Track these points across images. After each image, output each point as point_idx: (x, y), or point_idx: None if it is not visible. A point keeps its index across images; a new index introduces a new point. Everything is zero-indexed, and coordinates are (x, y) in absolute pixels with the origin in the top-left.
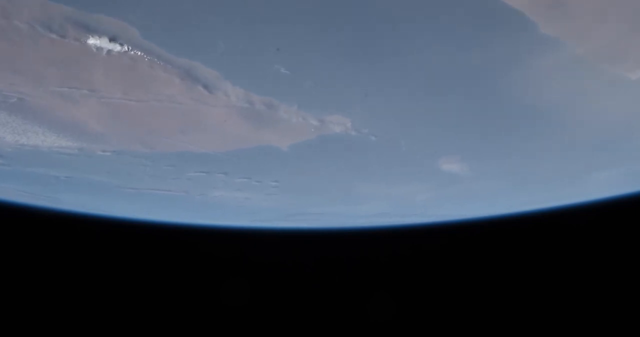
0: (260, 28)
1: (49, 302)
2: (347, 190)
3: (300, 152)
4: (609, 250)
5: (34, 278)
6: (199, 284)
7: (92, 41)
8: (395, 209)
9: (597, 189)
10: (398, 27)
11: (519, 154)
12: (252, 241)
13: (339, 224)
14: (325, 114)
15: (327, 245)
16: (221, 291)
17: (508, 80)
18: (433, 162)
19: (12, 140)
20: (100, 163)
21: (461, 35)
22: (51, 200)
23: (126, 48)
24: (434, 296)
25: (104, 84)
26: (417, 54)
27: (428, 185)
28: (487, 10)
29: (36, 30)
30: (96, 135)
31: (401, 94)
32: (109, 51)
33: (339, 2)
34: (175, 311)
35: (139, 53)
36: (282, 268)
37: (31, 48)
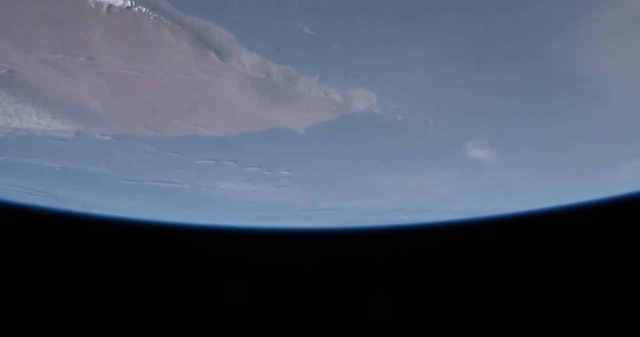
0: None
1: (48, 303)
2: (363, 181)
3: (317, 135)
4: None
5: (34, 279)
6: (199, 285)
7: None
8: (410, 203)
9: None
10: None
11: (551, 139)
12: (252, 241)
13: (348, 222)
14: (348, 88)
15: (327, 245)
16: (221, 291)
17: (553, 46)
18: (460, 147)
19: (3, 123)
20: (99, 150)
21: None
22: (47, 197)
23: (129, 3)
24: (434, 296)
25: (103, 49)
26: (458, 13)
27: (450, 175)
28: None
29: None
30: (94, 115)
31: (434, 65)
32: (110, 7)
33: None
34: (175, 311)
35: (144, 9)
36: (282, 268)
37: (20, 4)
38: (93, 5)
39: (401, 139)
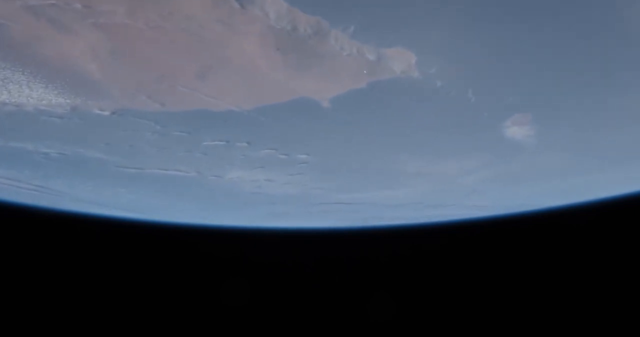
0: None
1: (48, 304)
2: (386, 167)
3: (343, 109)
4: None
5: (34, 279)
6: (199, 285)
7: None
8: (432, 195)
9: None
10: None
11: (602, 117)
12: (252, 241)
13: (362, 218)
14: (385, 45)
15: (327, 245)
16: (221, 291)
17: (619, 7)
18: (498, 124)
19: None
20: (98, 129)
21: None
22: (43, 191)
23: None
24: (434, 296)
25: None
26: None
27: (481, 160)
28: None
29: None
30: (93, 84)
31: (482, 24)
32: None
33: None
34: (175, 311)
35: None
36: (282, 268)
37: None
38: None
39: (435, 112)
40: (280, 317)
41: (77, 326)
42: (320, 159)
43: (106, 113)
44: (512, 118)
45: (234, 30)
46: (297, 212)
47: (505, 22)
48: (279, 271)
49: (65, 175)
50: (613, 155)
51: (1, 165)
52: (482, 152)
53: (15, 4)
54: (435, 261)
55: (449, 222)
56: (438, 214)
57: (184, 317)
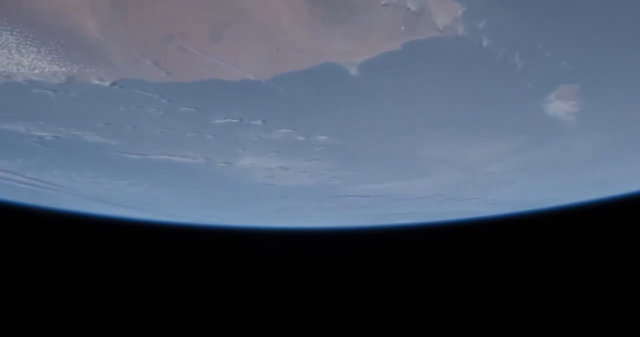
0: None
1: (48, 304)
2: (411, 152)
3: (372, 78)
4: None
5: (33, 279)
6: (199, 285)
7: None
8: (454, 186)
9: None
10: None
11: None
12: (252, 241)
13: (376, 215)
14: None
15: (327, 245)
16: (221, 291)
17: None
18: (541, 97)
19: None
20: (97, 106)
21: None
22: (37, 185)
23: None
24: (434, 296)
25: None
26: None
27: (514, 143)
28: None
29: None
30: (91, 46)
31: None
32: None
33: None
34: (175, 312)
35: None
36: (282, 268)
37: None
38: None
39: (475, 80)
40: (280, 317)
41: (78, 327)
42: (340, 142)
43: (106, 84)
44: (557, 90)
45: None
46: (308, 207)
47: None
48: (280, 272)
49: (61, 164)
50: None
51: None
52: (516, 134)
53: None
54: (442, 263)
55: (460, 222)
56: (454, 211)
57: (184, 318)
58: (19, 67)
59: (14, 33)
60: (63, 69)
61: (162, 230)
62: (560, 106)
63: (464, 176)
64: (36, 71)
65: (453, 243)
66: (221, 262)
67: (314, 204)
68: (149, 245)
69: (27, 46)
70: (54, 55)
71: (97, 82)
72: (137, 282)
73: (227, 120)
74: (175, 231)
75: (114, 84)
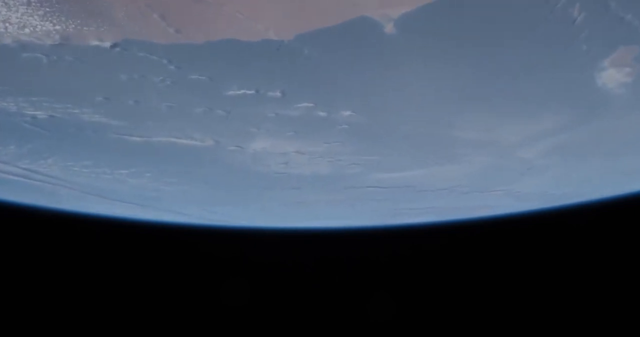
0: None
1: (48, 305)
2: (442, 132)
3: (409, 38)
4: None
5: (33, 280)
6: (199, 285)
7: None
8: (481, 175)
9: None
10: None
11: None
12: (252, 241)
13: (394, 210)
14: None
15: (327, 245)
16: (221, 291)
17: None
18: (593, 63)
19: None
20: (95, 75)
21: None
22: (31, 177)
23: None
24: (434, 296)
25: None
26: None
27: (555, 121)
28: None
29: None
30: None
31: None
32: None
33: None
34: (175, 312)
35: None
36: (282, 268)
37: None
38: None
39: (523, 42)
40: (280, 317)
41: (78, 327)
42: (366, 119)
43: (106, 45)
44: (614, 55)
45: None
46: (321, 200)
47: None
48: (279, 271)
49: (57, 150)
50: None
51: None
52: (558, 109)
53: None
54: (436, 261)
55: (476, 221)
56: (474, 206)
57: (185, 318)
58: (7, 25)
59: None
60: (57, 27)
61: (162, 230)
62: (613, 75)
63: (495, 161)
64: (26, 30)
65: (466, 245)
66: (221, 263)
67: (328, 197)
68: (149, 246)
69: None
70: (47, 9)
71: (96, 43)
72: (137, 283)
73: (242, 91)
74: (175, 231)
75: (115, 45)
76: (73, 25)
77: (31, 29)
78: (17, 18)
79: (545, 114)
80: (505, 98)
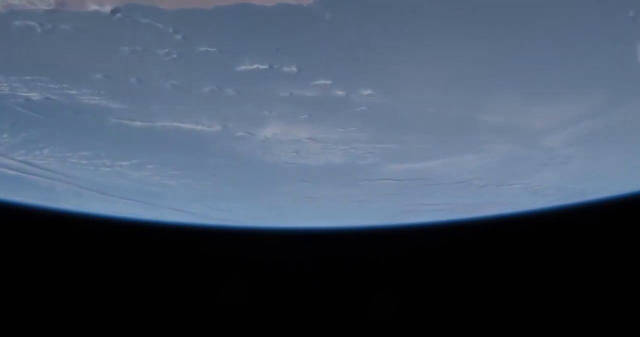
0: None
1: (47, 305)
2: (466, 115)
3: (443, 4)
4: None
5: (33, 280)
6: (199, 285)
7: None
8: (500, 166)
9: None
10: None
11: None
12: (253, 241)
13: (404, 206)
14: None
15: (327, 245)
16: (221, 291)
17: None
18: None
19: None
20: (94, 45)
21: None
22: (27, 171)
23: None
24: (434, 296)
25: None
26: None
27: (586, 104)
28: None
29: None
30: None
31: None
32: None
33: None
34: (175, 311)
35: None
36: (282, 268)
37: None
38: None
39: (562, 10)
40: (280, 317)
41: (78, 327)
42: (387, 99)
43: (106, 10)
44: None
45: None
46: (332, 196)
47: None
48: (279, 271)
49: (53, 139)
50: None
51: None
52: (592, 90)
53: None
54: (435, 260)
55: (488, 219)
56: (488, 202)
57: (184, 317)
58: None
59: None
60: None
61: (162, 230)
62: None
63: (517, 150)
64: None
65: (475, 246)
66: (221, 263)
67: (339, 192)
68: (149, 245)
69: None
70: None
71: (95, 7)
72: (137, 283)
73: (255, 66)
74: (175, 231)
75: (115, 10)
76: None
77: None
78: None
79: (578, 96)
80: (538, 76)
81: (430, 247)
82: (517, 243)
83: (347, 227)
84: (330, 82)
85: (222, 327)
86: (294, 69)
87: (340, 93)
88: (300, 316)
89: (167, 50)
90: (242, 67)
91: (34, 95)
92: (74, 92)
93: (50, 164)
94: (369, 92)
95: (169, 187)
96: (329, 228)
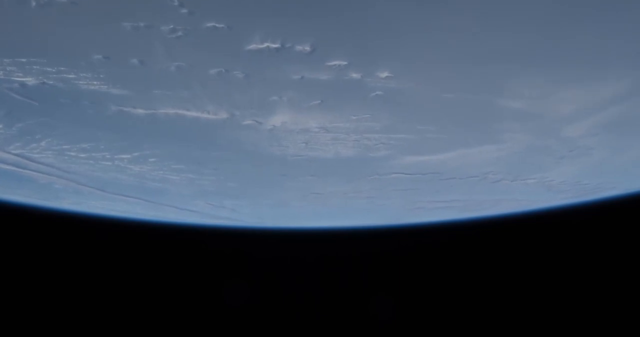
0: None
1: (48, 304)
2: (487, 100)
3: None
4: None
5: (33, 279)
6: (199, 285)
7: None
8: (515, 158)
9: None
10: None
11: None
12: (253, 241)
13: (412, 203)
14: None
15: (332, 246)
16: (221, 291)
17: None
18: None
19: None
20: (94, 21)
21: None
22: (25, 166)
23: None
24: (435, 296)
25: None
26: None
27: (615, 87)
28: None
29: None
30: None
31: None
32: None
33: None
34: (176, 311)
35: None
36: (283, 268)
37: None
38: None
39: None
40: (280, 317)
41: (79, 327)
42: (405, 83)
43: None
44: None
45: None
46: (341, 192)
47: None
48: (279, 271)
49: (51, 130)
50: None
51: None
52: (623, 73)
53: None
54: (436, 260)
55: (496, 218)
56: (500, 199)
57: (184, 317)
58: None
59: None
60: None
61: (163, 230)
62: None
63: (537, 141)
64: None
65: (483, 247)
66: (221, 263)
67: (348, 188)
68: (149, 245)
69: None
70: None
71: None
72: (138, 283)
73: (265, 45)
74: (175, 231)
75: None
76: None
77: None
78: None
79: (607, 79)
80: (567, 57)
81: (437, 248)
82: (527, 243)
83: (353, 227)
84: (345, 62)
85: (222, 327)
86: (308, 47)
87: (355, 76)
88: (300, 315)
89: (171, 26)
90: (252, 46)
91: (30, 80)
92: (72, 76)
93: (48, 158)
94: (386, 74)
95: (171, 182)
96: (334, 228)
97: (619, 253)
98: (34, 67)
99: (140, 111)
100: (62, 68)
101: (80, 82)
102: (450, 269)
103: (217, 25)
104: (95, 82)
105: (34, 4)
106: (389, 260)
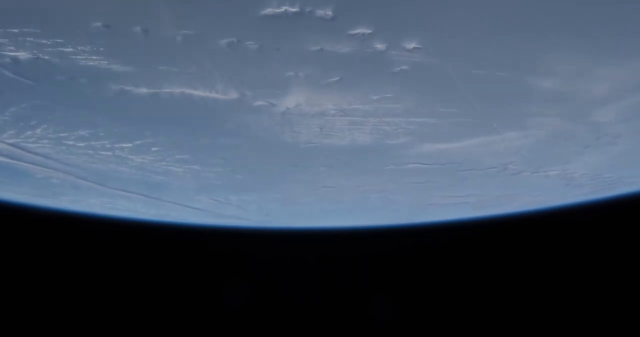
0: None
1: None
2: (518, 76)
3: None
4: None
5: (32, 281)
6: (199, 285)
7: None
8: (540, 146)
9: None
10: None
11: None
12: (254, 241)
13: (427, 197)
14: None
15: (328, 245)
16: (221, 291)
17: None
18: None
19: None
20: None
21: None
22: (19, 157)
23: None
24: (435, 296)
25: None
26: None
27: None
28: None
29: None
30: None
31: None
32: None
33: None
34: (176, 311)
35: None
36: (284, 268)
37: None
38: None
39: None
40: (280, 317)
41: (78, 327)
42: (433, 56)
43: None
44: None
45: None
46: (354, 185)
47: None
48: (279, 271)
49: (46, 114)
50: None
51: None
52: None
53: None
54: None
55: (509, 217)
56: (516, 194)
57: (184, 316)
58: None
59: None
60: None
61: (163, 230)
62: None
63: (563, 127)
64: None
65: (495, 247)
66: (221, 263)
67: (361, 180)
68: (149, 245)
69: None
70: None
71: None
72: (138, 283)
73: (283, 9)
74: (176, 231)
75: None
76: None
77: None
78: None
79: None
80: (605, 29)
81: (446, 249)
82: (538, 244)
83: (363, 226)
84: (370, 31)
85: (222, 327)
86: (329, 12)
87: (379, 46)
88: (299, 315)
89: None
90: (268, 10)
91: (23, 54)
92: (69, 49)
93: (44, 148)
94: (413, 45)
95: (174, 175)
96: (344, 228)
97: (631, 255)
98: (28, 38)
99: (142, 90)
100: (59, 40)
101: (78, 57)
102: (459, 271)
103: None
104: (94, 57)
105: None
106: (399, 261)
